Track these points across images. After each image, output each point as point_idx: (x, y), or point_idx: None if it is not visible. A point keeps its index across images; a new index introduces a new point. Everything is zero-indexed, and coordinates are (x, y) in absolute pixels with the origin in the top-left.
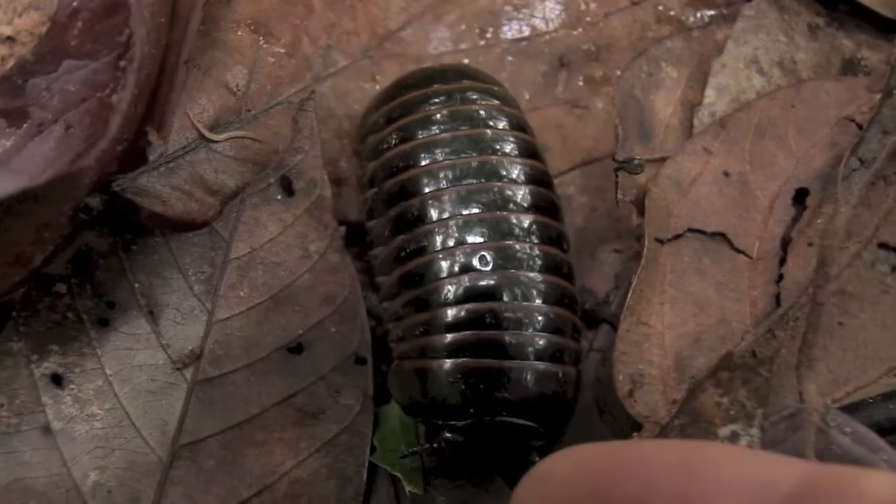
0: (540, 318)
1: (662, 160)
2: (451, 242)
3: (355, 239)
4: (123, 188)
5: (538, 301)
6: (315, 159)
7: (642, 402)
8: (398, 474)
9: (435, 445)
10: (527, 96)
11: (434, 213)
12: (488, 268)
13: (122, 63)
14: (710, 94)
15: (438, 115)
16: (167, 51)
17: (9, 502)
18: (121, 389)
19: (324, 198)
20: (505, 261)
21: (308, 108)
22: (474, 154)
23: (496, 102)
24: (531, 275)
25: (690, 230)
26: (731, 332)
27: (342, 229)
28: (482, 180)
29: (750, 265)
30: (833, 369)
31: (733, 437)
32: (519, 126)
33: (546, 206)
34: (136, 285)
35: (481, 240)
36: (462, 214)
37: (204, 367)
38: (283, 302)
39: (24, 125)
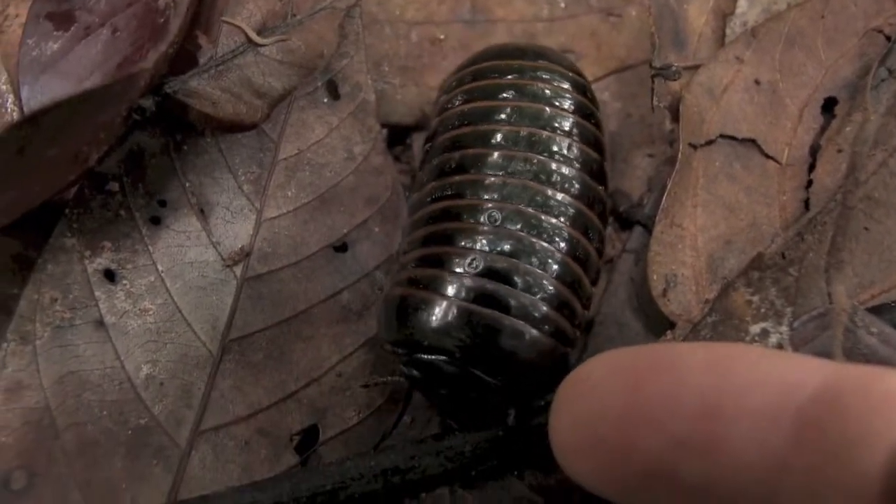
0: (542, 289)
1: (695, 68)
2: (477, 196)
3: (396, 142)
4: (175, 90)
5: (545, 274)
6: (360, 64)
7: (675, 302)
8: None
9: (395, 378)
10: (562, 4)
11: (470, 168)
12: (506, 227)
13: None
14: (742, 4)
15: (503, 85)
16: None
17: (63, 394)
18: (172, 285)
19: (367, 102)
20: (525, 227)
21: (354, 14)
22: (527, 125)
23: (566, 86)
24: (548, 247)
25: (722, 136)
26: (761, 235)
27: (384, 132)
28: (527, 150)
29: (779, 171)
30: (859, 273)
31: (763, 335)
32: (583, 113)
33: (585, 192)
34: (187, 184)
35: (508, 202)
36: (497, 175)
37: (253, 264)
38: (328, 202)
39: (71, 29)
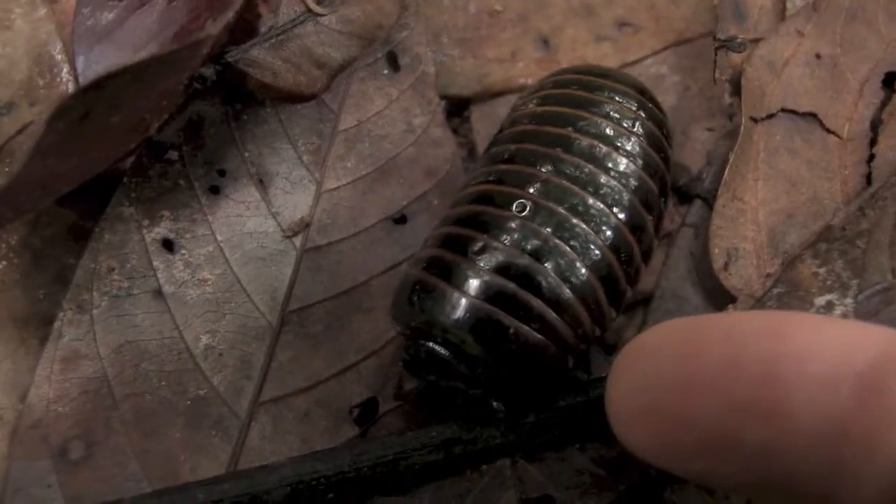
0: (550, 292)
1: (756, 41)
2: (515, 186)
3: (453, 115)
4: (236, 59)
5: (559, 281)
6: (420, 36)
7: (737, 276)
8: None
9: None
10: None
11: (519, 161)
12: (533, 224)
13: None
14: None
15: (575, 97)
16: None
17: (121, 364)
18: (231, 255)
19: (427, 74)
20: (554, 229)
21: None
22: (587, 137)
23: (641, 114)
24: (571, 255)
25: (783, 110)
26: (823, 210)
27: (443, 104)
28: (582, 159)
29: (840, 145)
30: None
31: (828, 307)
32: (650, 143)
33: (630, 214)
34: (246, 154)
35: (543, 200)
36: (542, 172)
37: (312, 235)
38: (387, 174)
39: None
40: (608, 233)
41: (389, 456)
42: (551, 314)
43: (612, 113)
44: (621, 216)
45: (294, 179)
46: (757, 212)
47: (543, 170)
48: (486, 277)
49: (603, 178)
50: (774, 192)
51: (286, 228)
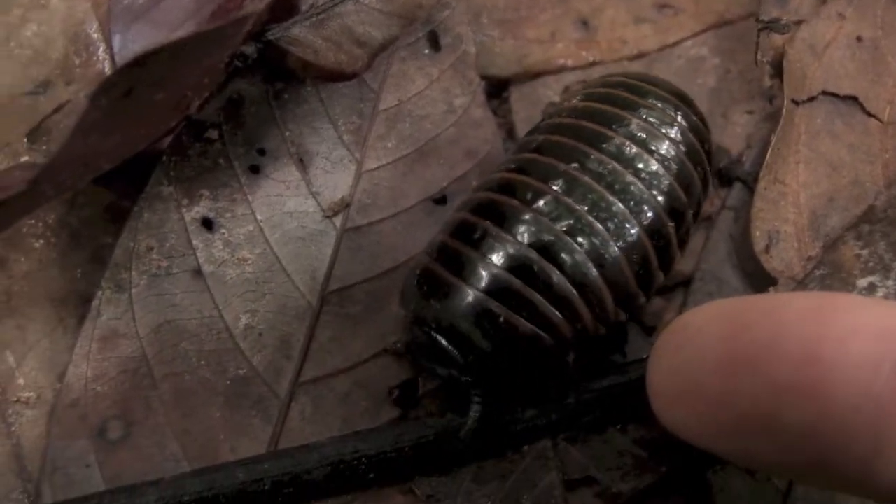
0: (552, 288)
1: (798, 24)
2: (535, 177)
3: (492, 96)
4: (277, 37)
5: (563, 278)
6: (461, 15)
7: (778, 258)
8: None
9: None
10: None
11: (546, 153)
12: (547, 218)
13: None
14: None
15: (617, 98)
16: None
17: (160, 343)
18: (271, 235)
19: (468, 54)
20: (568, 225)
21: None
22: (622, 137)
23: (683, 122)
24: (580, 255)
25: (824, 93)
26: (864, 193)
27: (483, 84)
28: (610, 158)
29: (881, 129)
30: None
31: (871, 289)
32: (688, 156)
33: (652, 221)
34: (287, 133)
35: (563, 195)
36: (570, 167)
37: (352, 215)
38: (428, 154)
39: None
40: (627, 232)
41: (430, 436)
42: (551, 310)
43: (653, 118)
44: (642, 219)
45: (334, 159)
46: (798, 195)
47: (569, 165)
48: (495, 272)
49: (628, 178)
50: (815, 175)
51: (326, 208)
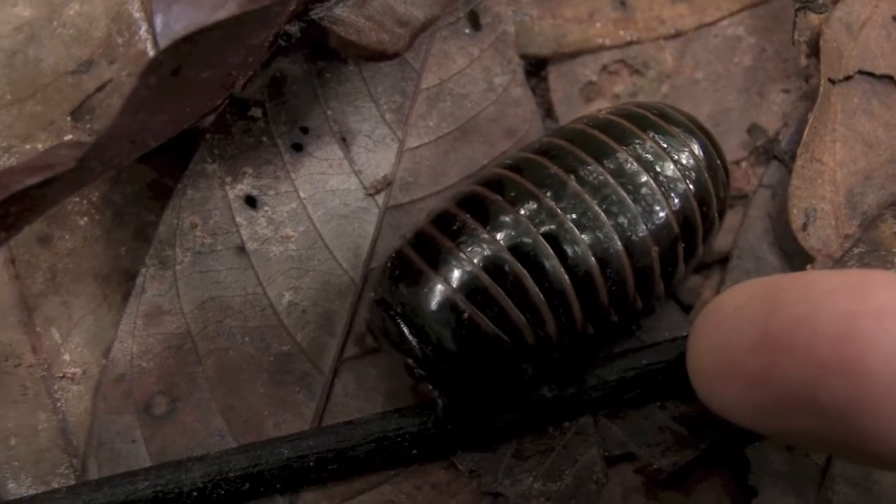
0: (524, 299)
1: (834, 3)
2: (527, 178)
3: (531, 75)
4: (320, 17)
5: (533, 285)
6: None
7: (815, 236)
8: None
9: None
10: None
11: (544, 154)
12: (528, 221)
13: None
14: None
15: (643, 117)
16: None
17: (204, 320)
18: (314, 213)
19: (507, 33)
20: (548, 232)
21: None
22: (630, 153)
23: (700, 154)
24: (556, 265)
25: (860, 72)
26: None
27: (522, 63)
28: (610, 173)
29: None
30: None
31: None
32: (695, 193)
33: (636, 248)
34: (329, 112)
35: (554, 203)
36: (561, 172)
37: (395, 193)
38: (469, 133)
39: None
40: (606, 253)
41: (472, 413)
42: (517, 314)
43: (664, 142)
44: (627, 244)
45: (376, 137)
46: (835, 173)
47: (564, 171)
48: (466, 267)
49: (621, 195)
50: (852, 153)
51: (368, 186)
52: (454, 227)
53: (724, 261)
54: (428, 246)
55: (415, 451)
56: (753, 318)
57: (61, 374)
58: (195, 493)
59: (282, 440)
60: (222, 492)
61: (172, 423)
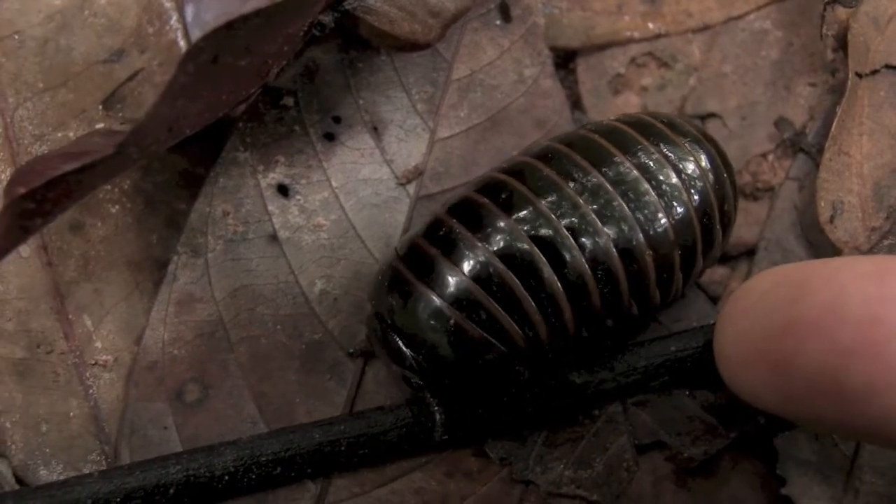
0: (522, 312)
1: None
2: (524, 184)
3: (559, 67)
4: (353, 7)
5: (525, 295)
6: None
7: (842, 229)
8: None
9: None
10: None
11: (545, 159)
12: (521, 229)
13: None
14: None
15: (654, 126)
16: None
17: (236, 307)
18: (346, 202)
19: (537, 25)
20: (543, 242)
21: None
22: (635, 163)
23: (707, 166)
24: (549, 273)
25: (887, 66)
26: None
27: (552, 55)
28: (613, 183)
29: None
30: None
31: None
32: (699, 205)
33: (632, 258)
34: (361, 101)
35: (546, 207)
36: (562, 179)
37: (426, 183)
38: (499, 123)
39: None
40: (600, 264)
41: (503, 401)
42: (506, 318)
43: (671, 153)
44: (621, 253)
45: (408, 127)
46: (862, 166)
47: (566, 180)
48: (456, 277)
49: (620, 205)
50: (879, 146)
51: (400, 176)
52: (443, 235)
53: (751, 252)
54: (417, 257)
55: (445, 437)
56: (780, 305)
57: (93, 362)
58: (226, 478)
59: (313, 425)
60: (253, 476)
61: (204, 411)
